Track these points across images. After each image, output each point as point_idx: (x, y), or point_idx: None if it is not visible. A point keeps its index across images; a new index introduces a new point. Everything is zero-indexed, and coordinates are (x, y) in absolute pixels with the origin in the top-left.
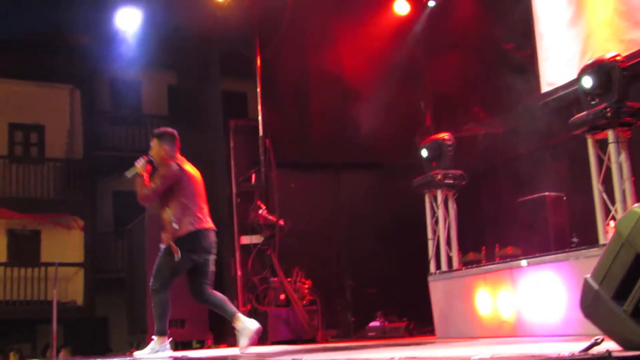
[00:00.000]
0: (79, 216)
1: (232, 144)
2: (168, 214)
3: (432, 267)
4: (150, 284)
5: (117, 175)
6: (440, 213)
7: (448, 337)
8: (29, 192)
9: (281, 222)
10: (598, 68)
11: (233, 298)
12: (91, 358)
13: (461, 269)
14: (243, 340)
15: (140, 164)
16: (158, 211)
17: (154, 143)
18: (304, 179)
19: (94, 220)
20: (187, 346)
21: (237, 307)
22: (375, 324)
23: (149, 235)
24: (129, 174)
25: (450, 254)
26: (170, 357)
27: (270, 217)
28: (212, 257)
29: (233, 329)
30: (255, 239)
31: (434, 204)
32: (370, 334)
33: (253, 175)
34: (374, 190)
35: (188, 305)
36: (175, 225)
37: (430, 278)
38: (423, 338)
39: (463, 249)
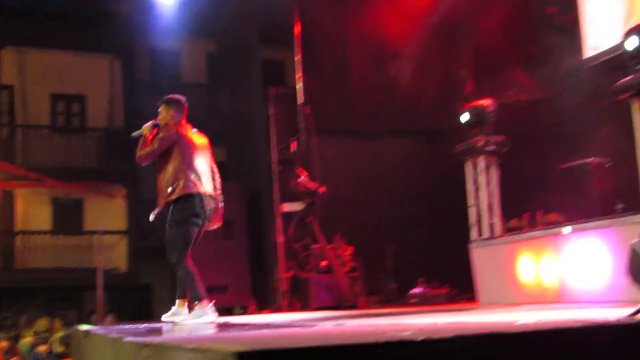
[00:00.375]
0: (121, 184)
1: (271, 112)
2: (164, 177)
3: (474, 233)
4: (168, 258)
5: None
6: (482, 180)
7: (490, 303)
8: (71, 161)
9: (322, 190)
10: None
11: (274, 265)
12: (138, 324)
13: (503, 236)
14: (174, 317)
15: (147, 125)
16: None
17: (161, 108)
18: (344, 146)
19: (136, 189)
20: (229, 312)
21: (280, 274)
22: (417, 290)
23: None
24: (135, 134)
25: (493, 221)
26: (213, 322)
27: (311, 185)
28: (205, 225)
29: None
30: (296, 206)
31: (475, 171)
32: (412, 300)
33: (293, 143)
34: (415, 156)
35: (231, 271)
36: (169, 189)
37: (472, 245)
38: (465, 305)
39: (505, 216)
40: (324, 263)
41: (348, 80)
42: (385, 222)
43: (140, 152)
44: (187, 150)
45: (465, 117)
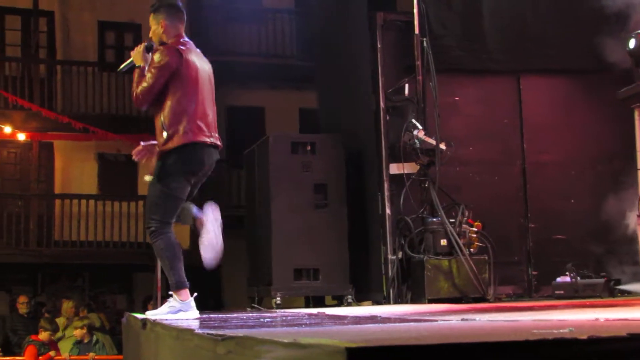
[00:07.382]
0: None
1: (379, 45)
2: (160, 117)
3: None
4: (146, 224)
5: (233, 87)
6: None
7: None
8: (123, 107)
9: (443, 146)
10: None
11: (380, 243)
12: (204, 314)
13: None
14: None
15: (137, 51)
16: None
17: (150, 21)
18: (472, 90)
19: None
20: (320, 302)
21: (386, 254)
22: (564, 279)
23: (275, 162)
24: (124, 67)
25: None
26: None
27: (429, 140)
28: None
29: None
30: (409, 167)
31: None
32: (557, 292)
33: (406, 86)
34: (566, 103)
35: (323, 251)
36: (164, 134)
37: None
38: (628, 300)
39: None
40: (443, 242)
41: (480, 2)
42: (524, 189)
43: (137, 90)
44: (194, 81)
45: (634, 51)
